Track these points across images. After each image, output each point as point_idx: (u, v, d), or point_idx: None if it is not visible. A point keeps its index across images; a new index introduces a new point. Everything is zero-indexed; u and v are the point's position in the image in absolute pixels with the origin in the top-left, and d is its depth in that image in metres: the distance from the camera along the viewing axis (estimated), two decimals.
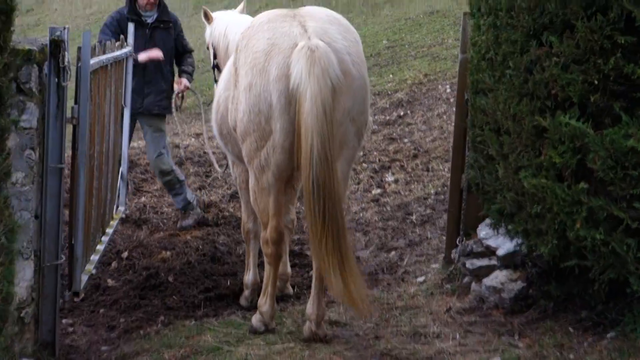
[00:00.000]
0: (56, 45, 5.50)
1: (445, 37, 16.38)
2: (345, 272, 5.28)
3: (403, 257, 7.74)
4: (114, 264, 7.77)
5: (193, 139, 12.82)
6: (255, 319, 6.09)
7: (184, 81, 9.29)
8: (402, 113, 12.91)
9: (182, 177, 9.16)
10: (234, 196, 9.96)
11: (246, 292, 6.91)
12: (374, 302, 6.46)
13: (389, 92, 13.83)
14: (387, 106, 13.31)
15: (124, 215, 8.30)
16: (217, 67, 8.00)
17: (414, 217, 8.67)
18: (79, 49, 5.80)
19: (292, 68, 5.21)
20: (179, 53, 9.28)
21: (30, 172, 5.49)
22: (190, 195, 9.11)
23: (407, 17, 19.17)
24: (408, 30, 17.88)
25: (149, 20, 8.96)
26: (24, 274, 5.42)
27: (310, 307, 5.83)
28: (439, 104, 12.80)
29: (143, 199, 10.02)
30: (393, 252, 7.90)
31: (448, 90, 13.08)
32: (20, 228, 5.32)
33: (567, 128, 4.82)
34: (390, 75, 14.79)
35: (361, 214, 9.08)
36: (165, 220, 9.12)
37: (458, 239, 7.00)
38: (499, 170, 5.48)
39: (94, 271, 6.40)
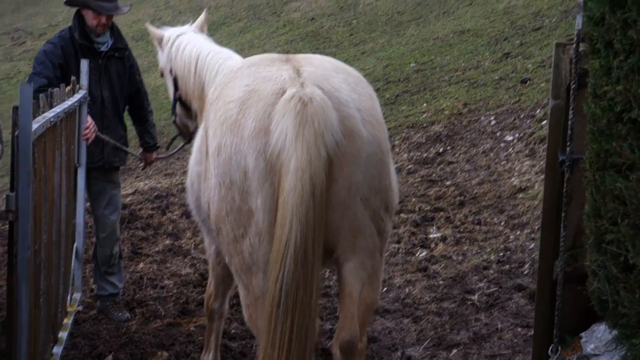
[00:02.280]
0: None
1: (480, 59, 14.31)
2: None
3: (468, 359, 5.74)
4: None
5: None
6: None
7: (155, 156, 7.31)
8: (441, 149, 10.89)
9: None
10: None
11: None
12: None
13: (424, 125, 11.80)
14: (424, 141, 11.28)
15: (80, 307, 6.32)
16: (180, 101, 5.96)
17: (475, 298, 6.63)
18: (15, 109, 3.81)
19: (275, 124, 3.62)
20: (131, 94, 6.93)
21: None
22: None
23: (435, 36, 17.13)
24: (438, 52, 15.83)
25: (103, 48, 6.62)
26: None
27: None
28: (484, 139, 10.76)
29: (141, 265, 8.02)
30: (455, 351, 5.87)
31: (493, 123, 11.03)
32: None
33: None
34: (424, 104, 12.75)
35: (407, 290, 7.05)
36: (165, 300, 7.11)
37: (551, 349, 4.97)
38: None
39: None
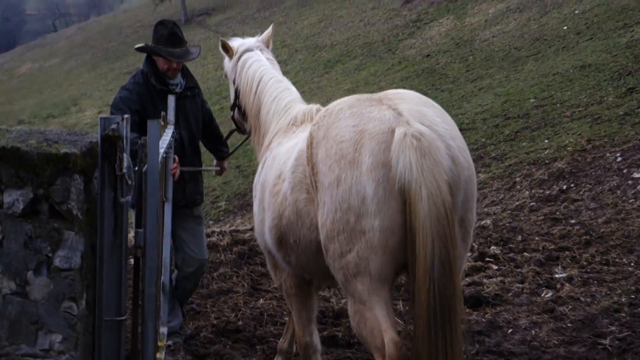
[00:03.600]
0: (110, 144, 3.56)
1: (603, 94, 13.90)
2: None
3: None
4: None
5: None
6: None
7: (226, 164, 7.54)
8: (564, 187, 10.54)
9: None
10: None
11: None
12: None
13: (547, 161, 11.48)
14: (546, 178, 10.95)
15: (170, 342, 6.24)
16: (238, 107, 6.53)
17: (607, 342, 6.29)
18: (142, 146, 3.82)
19: (396, 159, 4.13)
20: (205, 123, 7.10)
21: (72, 333, 3.54)
22: None
23: (555, 72, 16.76)
24: (558, 87, 15.48)
25: (177, 90, 6.68)
26: None
27: None
28: (610, 175, 10.38)
29: (261, 301, 7.98)
30: None
31: (619, 160, 10.64)
32: None
33: None
34: (546, 141, 12.44)
35: (533, 332, 6.76)
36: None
37: None
38: None
39: None
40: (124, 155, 3.56)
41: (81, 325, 3.55)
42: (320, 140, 4.50)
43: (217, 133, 7.30)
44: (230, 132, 7.33)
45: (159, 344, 5.84)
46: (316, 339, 5.59)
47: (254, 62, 6.28)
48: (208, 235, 9.42)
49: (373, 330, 4.27)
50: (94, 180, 3.63)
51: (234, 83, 6.48)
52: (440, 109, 4.59)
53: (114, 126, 3.56)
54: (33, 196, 3.46)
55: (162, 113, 5.88)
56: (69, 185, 3.46)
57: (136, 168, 3.91)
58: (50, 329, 3.50)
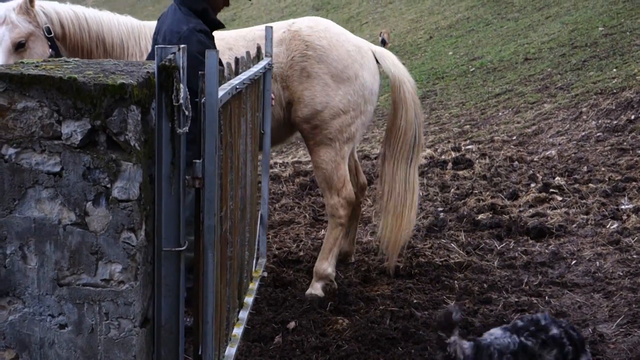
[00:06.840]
0: (167, 75, 3.50)
1: None
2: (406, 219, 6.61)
3: None
4: (277, 340, 5.73)
5: None
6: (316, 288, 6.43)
7: None
8: (632, 117, 10.25)
9: None
10: (431, 230, 7.78)
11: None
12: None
13: (614, 90, 11.15)
14: (613, 107, 10.66)
15: (265, 273, 6.20)
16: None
17: None
18: (202, 76, 3.76)
19: (384, 66, 6.56)
20: None
21: (132, 263, 3.54)
22: None
23: None
24: (627, 15, 14.98)
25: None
26: None
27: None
28: None
29: (322, 232, 7.95)
30: None
31: None
32: (115, 346, 3.50)
33: None
34: (614, 70, 12.07)
35: (597, 263, 6.63)
36: (346, 267, 7.00)
37: None
38: None
39: None
40: (181, 85, 3.50)
41: (140, 255, 3.55)
42: (323, 54, 6.28)
43: None
44: None
45: (254, 274, 5.86)
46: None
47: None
48: (270, 167, 9.43)
49: (341, 177, 6.37)
50: (151, 111, 3.59)
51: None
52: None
53: (170, 56, 3.50)
54: (91, 127, 3.43)
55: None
56: (126, 116, 3.42)
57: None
58: (110, 259, 3.50)
